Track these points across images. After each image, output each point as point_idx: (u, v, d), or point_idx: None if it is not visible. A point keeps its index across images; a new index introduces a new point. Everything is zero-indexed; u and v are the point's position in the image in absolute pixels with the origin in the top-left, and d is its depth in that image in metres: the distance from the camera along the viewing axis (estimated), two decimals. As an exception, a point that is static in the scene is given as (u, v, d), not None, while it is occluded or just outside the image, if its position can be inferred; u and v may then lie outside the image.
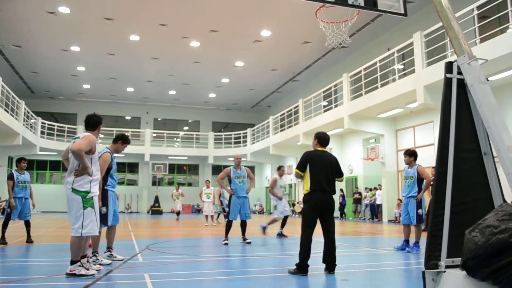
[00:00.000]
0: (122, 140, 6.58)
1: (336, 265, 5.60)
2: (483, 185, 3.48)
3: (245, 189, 9.48)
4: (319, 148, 5.87)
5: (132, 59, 25.03)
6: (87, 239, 5.32)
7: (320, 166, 5.65)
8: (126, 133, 32.61)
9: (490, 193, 3.46)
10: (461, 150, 3.44)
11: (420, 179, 8.17)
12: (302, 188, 6.05)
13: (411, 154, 8.43)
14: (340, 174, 5.83)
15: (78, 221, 5.10)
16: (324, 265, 5.64)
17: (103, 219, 5.99)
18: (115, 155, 6.52)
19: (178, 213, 21.58)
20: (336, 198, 24.06)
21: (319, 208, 5.63)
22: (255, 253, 8.12)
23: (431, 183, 8.33)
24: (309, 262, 5.49)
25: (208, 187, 17.88)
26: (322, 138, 5.89)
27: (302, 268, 5.47)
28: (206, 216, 17.43)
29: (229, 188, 9.46)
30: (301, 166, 5.75)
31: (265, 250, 8.87)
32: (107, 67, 26.39)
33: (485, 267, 2.63)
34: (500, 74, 12.29)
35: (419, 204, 8.08)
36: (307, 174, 5.69)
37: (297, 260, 5.53)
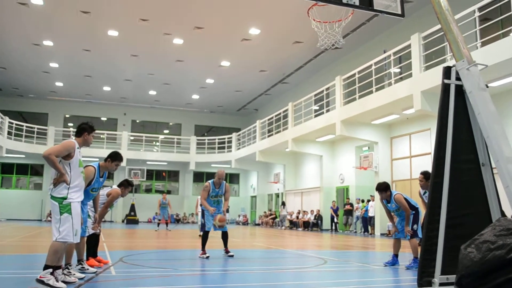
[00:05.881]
0: (110, 158, 6.71)
1: None
2: (480, 198, 3.52)
3: (218, 209, 9.32)
4: None
5: (110, 56, 24.90)
6: (66, 247, 5.43)
7: None
8: (102, 136, 32.22)
9: (488, 207, 3.50)
10: (458, 161, 3.48)
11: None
12: None
13: (386, 188, 8.17)
14: None
15: (55, 227, 5.29)
16: None
17: None
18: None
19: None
20: (328, 211, 24.12)
21: None
22: (238, 267, 8.09)
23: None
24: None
25: None
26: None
27: None
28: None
29: (211, 208, 9.22)
30: None
31: (248, 264, 8.84)
32: (82, 64, 26.20)
33: (481, 285, 2.66)
34: (501, 80, 12.48)
35: (415, 219, 8.11)
36: None
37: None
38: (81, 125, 5.84)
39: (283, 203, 29.61)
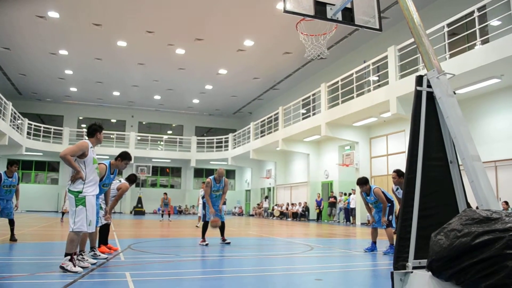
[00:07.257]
0: (121, 157, 6.72)
1: None
2: (449, 191, 3.55)
3: (219, 202, 9.31)
4: None
5: (119, 64, 24.79)
6: (81, 236, 5.45)
7: None
8: (112, 136, 32.03)
9: (455, 199, 3.54)
10: (429, 158, 3.51)
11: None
12: None
13: (365, 182, 8.24)
14: None
15: (72, 218, 5.34)
16: None
17: None
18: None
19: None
20: (313, 203, 24.16)
21: None
22: (234, 253, 8.10)
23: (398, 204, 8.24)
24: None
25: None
26: None
27: None
28: (199, 217, 17.51)
29: (213, 209, 9.19)
30: None
31: (243, 251, 8.85)
32: (94, 71, 26.06)
33: (449, 268, 2.69)
34: (467, 87, 12.56)
35: (390, 211, 8.15)
36: None
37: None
38: (92, 126, 5.81)
39: (266, 197, 29.89)
